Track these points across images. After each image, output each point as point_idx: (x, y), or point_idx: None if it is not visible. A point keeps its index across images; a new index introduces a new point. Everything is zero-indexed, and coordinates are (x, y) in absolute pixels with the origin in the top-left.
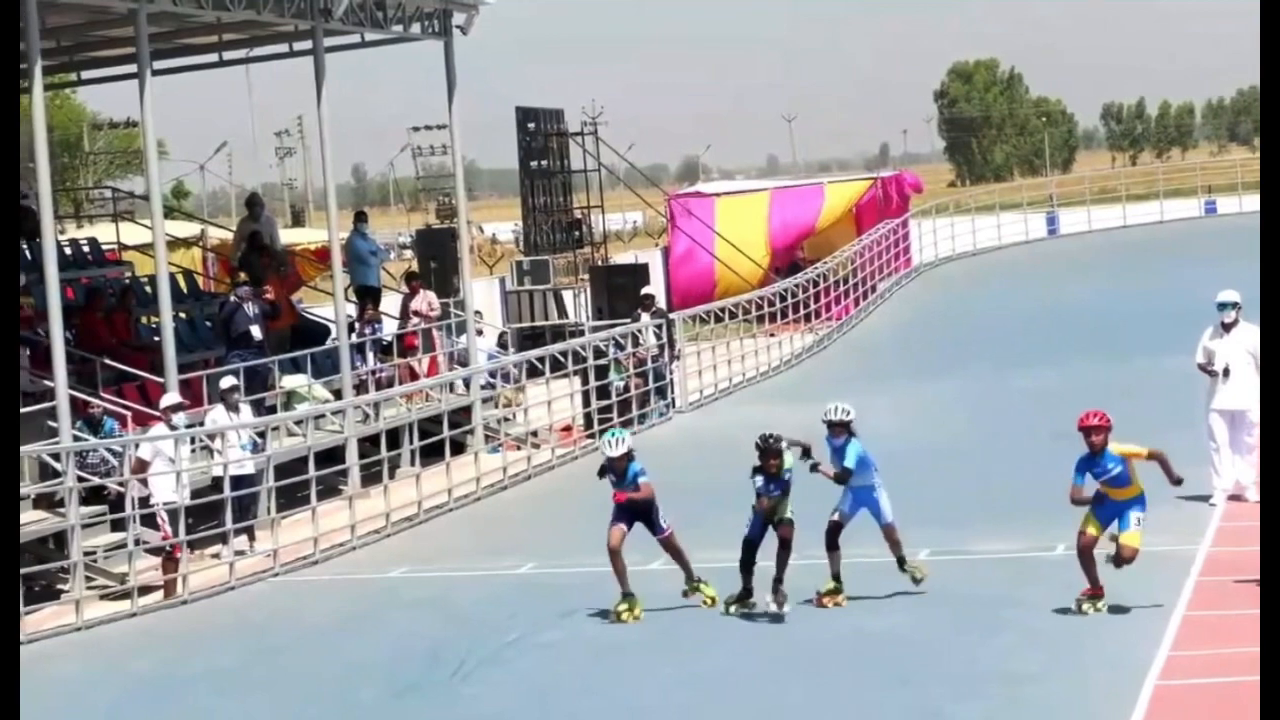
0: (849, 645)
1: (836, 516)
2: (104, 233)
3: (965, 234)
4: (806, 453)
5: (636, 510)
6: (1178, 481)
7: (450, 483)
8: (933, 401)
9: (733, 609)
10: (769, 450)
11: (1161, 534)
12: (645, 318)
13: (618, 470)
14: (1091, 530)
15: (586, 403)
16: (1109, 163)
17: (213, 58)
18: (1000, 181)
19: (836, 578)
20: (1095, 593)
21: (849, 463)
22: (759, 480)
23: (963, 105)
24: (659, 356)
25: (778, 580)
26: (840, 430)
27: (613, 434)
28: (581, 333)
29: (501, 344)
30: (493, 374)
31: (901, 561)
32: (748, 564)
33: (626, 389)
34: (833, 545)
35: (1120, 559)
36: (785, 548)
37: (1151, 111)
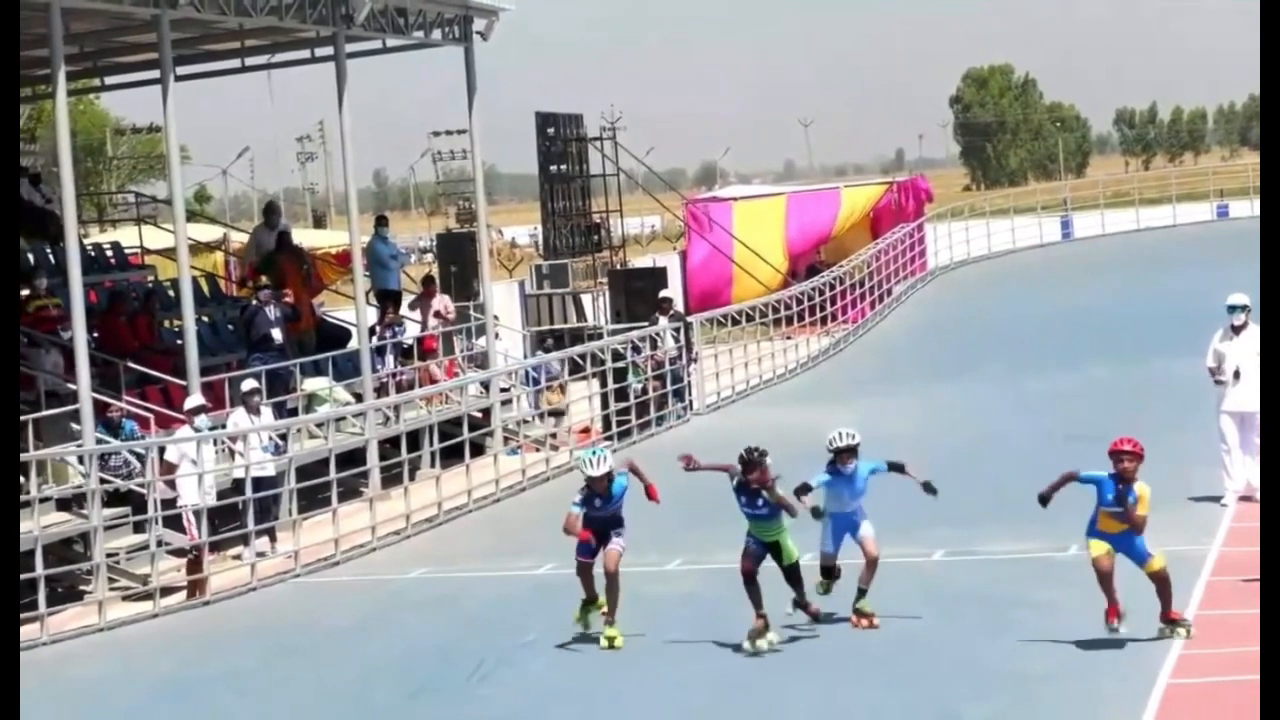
0: (858, 645)
1: (826, 556)
2: (127, 237)
3: (980, 238)
4: (815, 513)
5: (608, 524)
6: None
7: (470, 484)
8: (947, 403)
9: (761, 643)
10: (749, 464)
11: (1173, 534)
12: (663, 321)
13: (600, 491)
14: (1105, 555)
15: (605, 405)
16: (1122, 167)
17: (235, 63)
18: (1015, 186)
19: (862, 593)
20: (1118, 609)
21: (863, 475)
22: (742, 500)
23: (977, 110)
24: (677, 359)
25: (800, 600)
26: (849, 457)
27: (593, 452)
28: (600, 336)
29: (544, 346)
30: (532, 377)
31: (863, 593)
32: (754, 593)
33: (644, 391)
34: (832, 575)
35: (1155, 578)
36: (796, 580)
37: (1164, 116)
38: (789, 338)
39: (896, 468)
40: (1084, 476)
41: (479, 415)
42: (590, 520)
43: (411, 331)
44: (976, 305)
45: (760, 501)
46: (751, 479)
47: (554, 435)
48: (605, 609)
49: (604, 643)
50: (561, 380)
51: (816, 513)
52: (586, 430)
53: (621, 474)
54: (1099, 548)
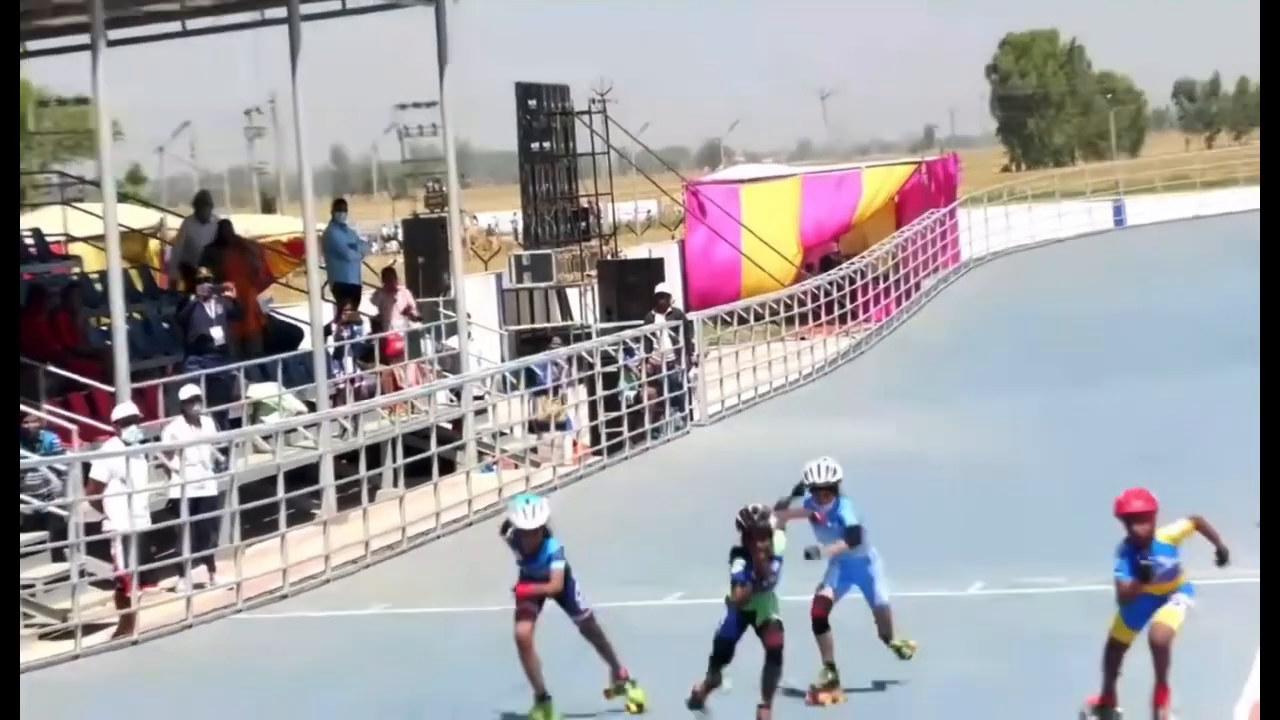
0: (900, 695)
1: (826, 592)
2: (49, 222)
3: (1021, 225)
4: (812, 554)
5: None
6: (1223, 557)
7: (438, 506)
8: (984, 416)
9: (698, 712)
10: (755, 529)
11: (1237, 564)
12: (660, 319)
13: (527, 548)
14: (1124, 636)
15: (594, 415)
16: (1182, 146)
17: (175, 26)
18: (1060, 166)
19: (831, 667)
20: (1106, 702)
21: (851, 519)
22: (738, 566)
23: (1017, 81)
24: (675, 363)
25: (766, 703)
26: (828, 495)
27: (525, 499)
28: (588, 336)
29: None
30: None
31: (887, 638)
32: (722, 659)
33: (638, 399)
34: (822, 627)
35: (1153, 642)
36: (776, 660)
37: (1228, 89)
38: (803, 339)
39: (849, 535)
40: (1122, 577)
41: (449, 427)
42: (528, 579)
43: (372, 331)
44: (1017, 302)
45: (773, 568)
46: (758, 547)
47: (534, 450)
48: (618, 680)
49: (631, 707)
50: (561, 383)
51: (812, 553)
52: (573, 444)
53: (558, 541)
54: (1121, 630)
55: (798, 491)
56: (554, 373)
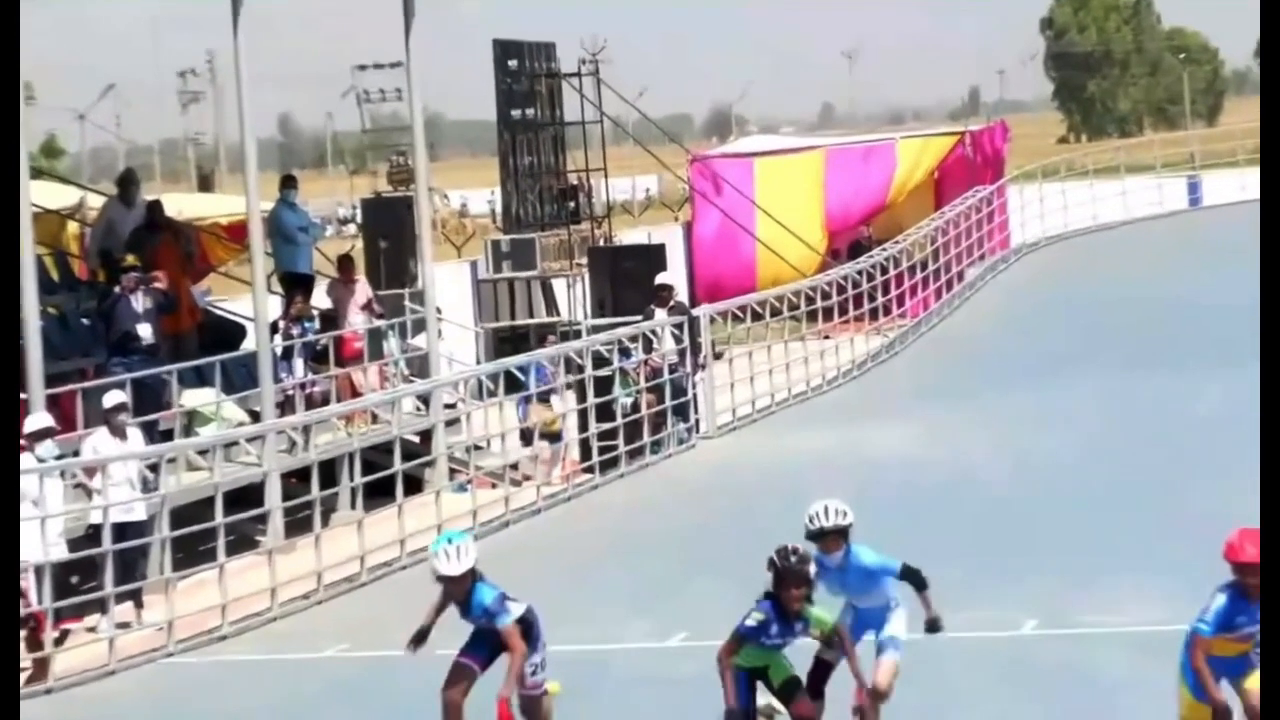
0: None
1: (829, 657)
2: None
3: (1080, 204)
4: (936, 626)
5: (500, 645)
6: None
7: (402, 532)
8: (1037, 424)
9: None
10: (791, 574)
11: None
12: (661, 315)
13: (455, 597)
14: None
15: (584, 426)
16: None
17: None
18: (1125, 136)
19: None
20: None
21: (884, 560)
22: (754, 617)
23: (1076, 37)
24: (678, 366)
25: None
26: (837, 541)
27: (446, 538)
28: (578, 335)
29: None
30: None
31: (876, 695)
32: None
33: (636, 408)
34: (818, 692)
35: (1249, 711)
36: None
37: None
38: (827, 337)
39: (915, 581)
40: (1206, 633)
41: (416, 440)
42: (473, 646)
43: (326, 328)
44: (1075, 295)
45: (800, 628)
46: (793, 596)
47: (514, 468)
48: None
49: None
50: (554, 386)
51: (936, 625)
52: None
53: (494, 588)
54: (1193, 710)
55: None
56: (547, 374)
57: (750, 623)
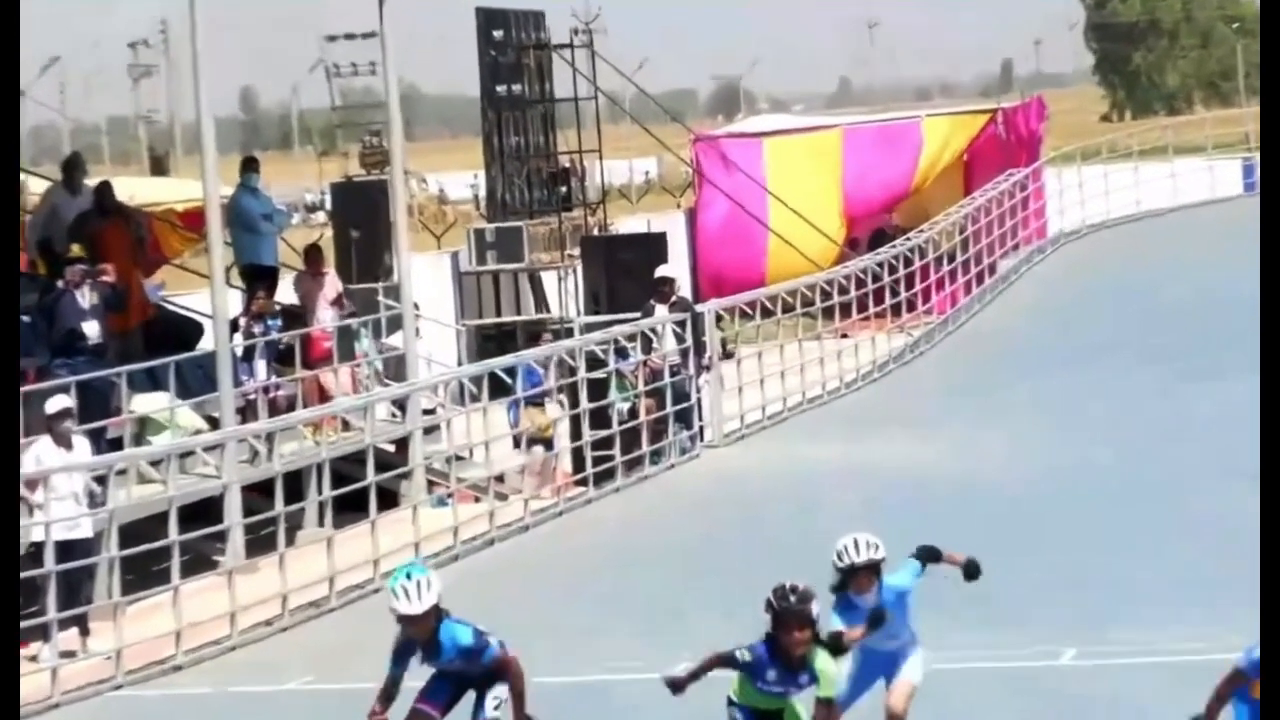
0: None
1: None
2: None
3: (1125, 189)
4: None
5: (465, 680)
6: None
7: (376, 551)
8: (1076, 434)
9: None
10: (791, 615)
11: None
12: (661, 311)
13: (419, 637)
14: None
15: (577, 434)
16: None
17: None
18: (1174, 114)
19: None
20: None
21: (892, 600)
22: (751, 654)
23: (1119, 6)
24: (681, 367)
25: None
26: (868, 579)
27: (406, 573)
28: (570, 333)
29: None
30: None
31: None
32: None
33: (634, 414)
34: None
35: None
36: None
37: None
38: (845, 335)
39: (930, 556)
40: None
41: (391, 449)
42: (435, 688)
43: (292, 326)
44: (1120, 288)
45: (805, 679)
46: (794, 640)
47: (499, 479)
48: None
49: None
50: (549, 388)
51: (877, 622)
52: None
53: (465, 624)
54: None
55: (841, 585)
56: (539, 377)
57: (740, 653)
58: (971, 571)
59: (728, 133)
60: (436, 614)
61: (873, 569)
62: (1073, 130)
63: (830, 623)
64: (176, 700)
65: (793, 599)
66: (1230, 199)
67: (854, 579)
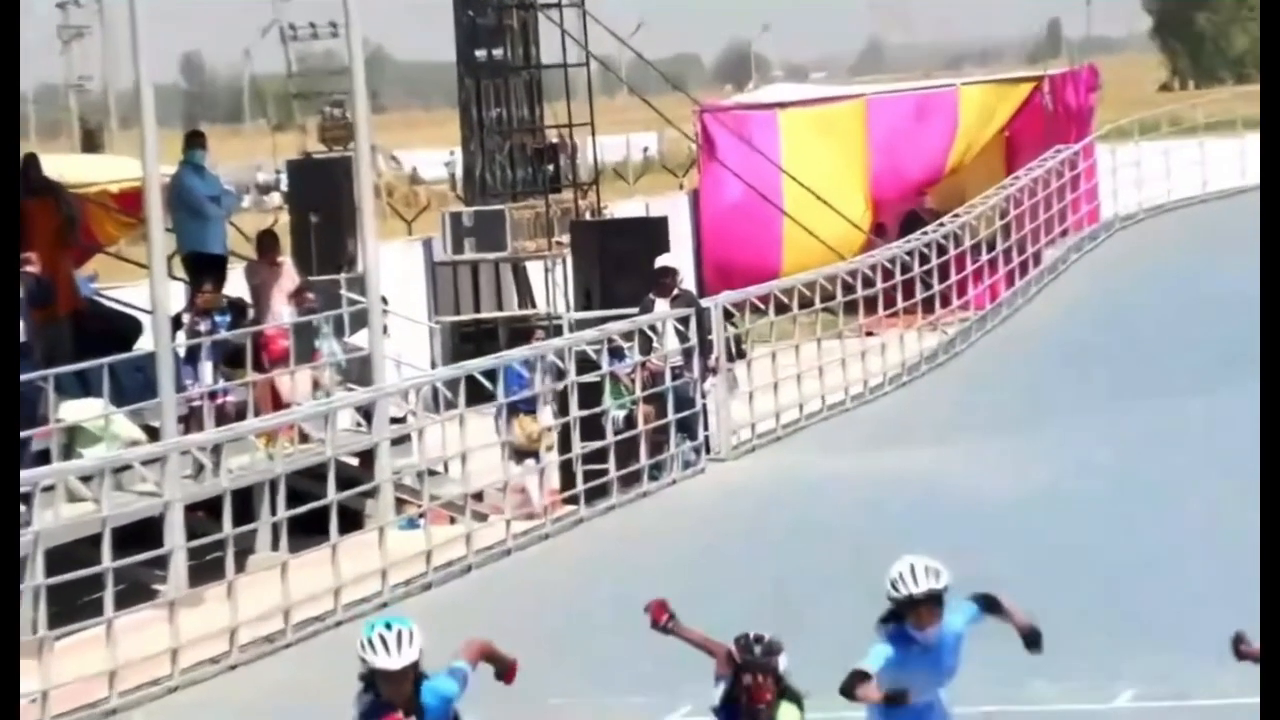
0: None
1: None
2: None
3: (1186, 166)
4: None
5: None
6: None
7: (338, 578)
8: (1130, 446)
9: None
10: (753, 668)
11: None
12: (662, 306)
13: (396, 696)
14: None
15: (566, 445)
16: None
17: None
18: (1242, 83)
19: None
20: None
21: (952, 641)
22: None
23: None
24: (684, 370)
25: None
26: (932, 612)
27: (386, 624)
28: (559, 330)
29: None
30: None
31: None
32: None
33: (630, 422)
34: None
35: None
36: None
37: None
38: (870, 333)
39: (989, 606)
40: None
41: (355, 463)
42: None
43: (243, 323)
44: (1181, 280)
45: None
46: (756, 686)
47: (478, 498)
48: None
49: None
50: (542, 393)
51: (899, 697)
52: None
53: (450, 675)
54: None
55: (892, 617)
56: (526, 381)
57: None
58: (1032, 640)
59: (737, 104)
60: (416, 673)
61: (935, 600)
62: (1128, 101)
63: (882, 659)
64: None
65: (757, 649)
66: None
67: (913, 612)
